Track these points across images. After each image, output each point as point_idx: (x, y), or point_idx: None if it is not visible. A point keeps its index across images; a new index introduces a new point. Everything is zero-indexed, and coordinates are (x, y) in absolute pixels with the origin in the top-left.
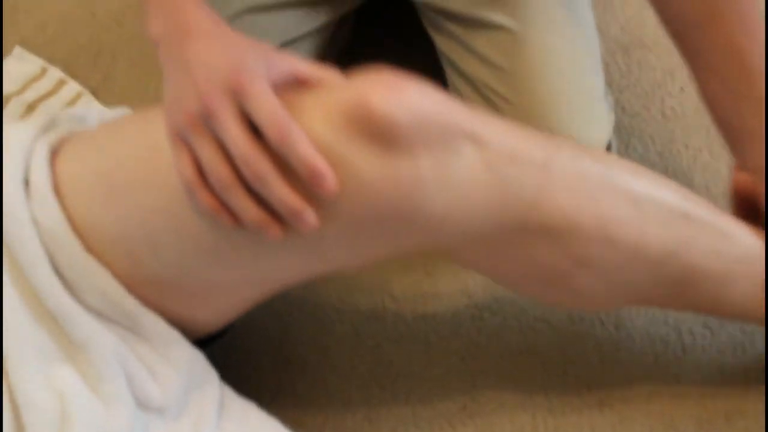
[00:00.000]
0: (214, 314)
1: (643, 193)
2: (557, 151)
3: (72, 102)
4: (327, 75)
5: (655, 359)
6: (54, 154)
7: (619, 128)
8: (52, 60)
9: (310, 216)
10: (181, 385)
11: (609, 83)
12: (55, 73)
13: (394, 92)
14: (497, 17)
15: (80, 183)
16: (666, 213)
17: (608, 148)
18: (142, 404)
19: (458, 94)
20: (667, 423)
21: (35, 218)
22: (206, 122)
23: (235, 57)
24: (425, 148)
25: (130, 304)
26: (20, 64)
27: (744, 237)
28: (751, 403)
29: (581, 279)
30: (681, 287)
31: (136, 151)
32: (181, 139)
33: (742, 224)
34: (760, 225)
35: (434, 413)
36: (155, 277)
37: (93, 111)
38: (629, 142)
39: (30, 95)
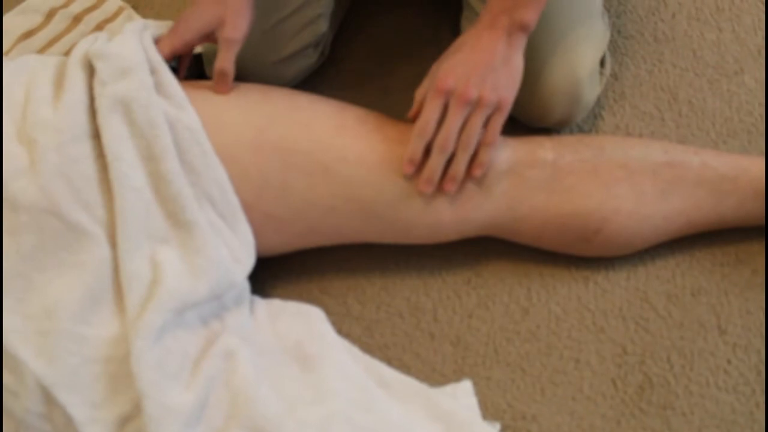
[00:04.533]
0: (279, 246)
1: (630, 156)
2: (562, 148)
3: (115, 15)
4: None
5: None
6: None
7: (614, 49)
8: None
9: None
10: (246, 277)
11: (608, 9)
12: None
13: None
14: None
15: (226, 118)
16: (651, 164)
17: (602, 61)
18: (225, 284)
19: (473, 13)
20: (641, 297)
21: (172, 119)
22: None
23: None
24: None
25: (235, 201)
26: None
27: (721, 163)
28: (714, 283)
29: (605, 232)
30: (684, 216)
31: (287, 118)
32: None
33: (718, 153)
34: None
35: (443, 284)
36: (269, 207)
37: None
38: (623, 61)
39: (75, 8)
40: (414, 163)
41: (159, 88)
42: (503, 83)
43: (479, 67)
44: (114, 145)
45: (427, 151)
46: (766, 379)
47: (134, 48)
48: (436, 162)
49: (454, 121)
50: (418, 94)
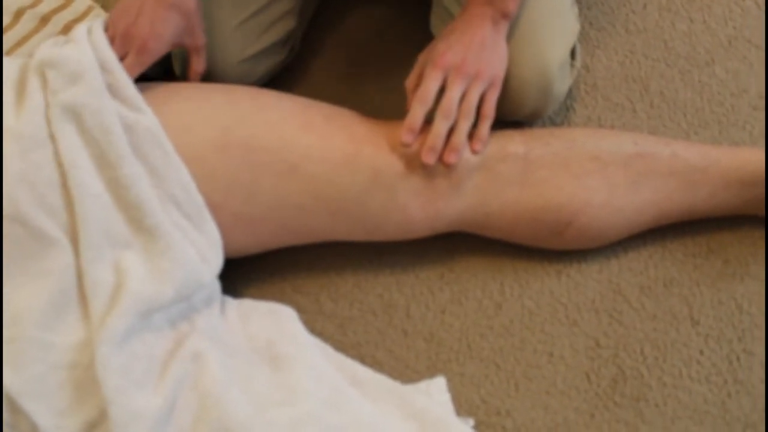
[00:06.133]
0: (250, 246)
1: (601, 148)
2: (533, 141)
3: (84, 15)
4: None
5: None
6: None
7: (586, 41)
8: None
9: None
10: (215, 278)
11: (578, 0)
12: None
13: None
14: None
15: (190, 119)
16: (622, 156)
17: (573, 53)
18: (192, 285)
19: (443, 9)
20: (614, 289)
21: (130, 121)
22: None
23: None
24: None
25: (200, 201)
26: None
27: (692, 154)
28: (686, 274)
29: (577, 225)
30: (656, 207)
31: (252, 117)
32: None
33: (689, 144)
34: None
35: (416, 280)
36: (238, 206)
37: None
38: (594, 53)
39: (43, 8)
40: (413, 131)
41: (114, 90)
42: (495, 61)
43: (473, 46)
44: (69, 154)
45: (425, 129)
46: (766, 373)
47: (84, 52)
48: (439, 127)
49: (454, 90)
50: (409, 85)
